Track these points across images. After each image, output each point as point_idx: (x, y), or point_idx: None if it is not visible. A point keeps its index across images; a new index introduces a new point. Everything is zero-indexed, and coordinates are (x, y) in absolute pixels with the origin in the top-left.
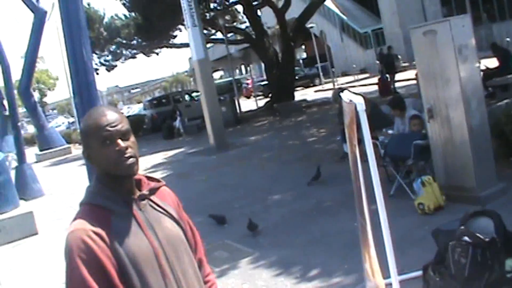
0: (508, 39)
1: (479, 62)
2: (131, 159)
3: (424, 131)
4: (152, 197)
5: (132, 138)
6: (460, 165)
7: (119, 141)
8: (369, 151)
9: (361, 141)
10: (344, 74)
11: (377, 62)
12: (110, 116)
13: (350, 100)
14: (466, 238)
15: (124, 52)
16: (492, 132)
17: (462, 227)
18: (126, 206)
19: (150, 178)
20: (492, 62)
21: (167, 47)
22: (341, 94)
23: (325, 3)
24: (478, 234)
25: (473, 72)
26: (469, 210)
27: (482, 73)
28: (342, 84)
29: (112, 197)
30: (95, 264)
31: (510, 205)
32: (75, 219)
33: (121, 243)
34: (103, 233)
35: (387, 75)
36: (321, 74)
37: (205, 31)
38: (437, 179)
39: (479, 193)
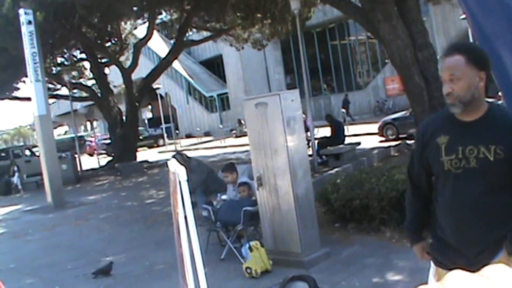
0: (343, 110)
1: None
2: None
3: (254, 197)
4: None
5: None
6: (286, 231)
7: None
8: (190, 219)
9: (195, 205)
10: (189, 136)
11: None
12: None
13: (174, 171)
14: None
15: None
16: (320, 199)
17: None
18: None
19: None
20: (328, 131)
21: (9, 99)
22: (168, 162)
23: (173, 65)
24: None
25: (300, 143)
26: (289, 275)
27: (317, 142)
28: (185, 146)
29: None
30: None
31: (331, 268)
32: None
33: None
34: None
35: None
36: (165, 135)
37: (50, 85)
38: (265, 244)
39: (304, 258)
